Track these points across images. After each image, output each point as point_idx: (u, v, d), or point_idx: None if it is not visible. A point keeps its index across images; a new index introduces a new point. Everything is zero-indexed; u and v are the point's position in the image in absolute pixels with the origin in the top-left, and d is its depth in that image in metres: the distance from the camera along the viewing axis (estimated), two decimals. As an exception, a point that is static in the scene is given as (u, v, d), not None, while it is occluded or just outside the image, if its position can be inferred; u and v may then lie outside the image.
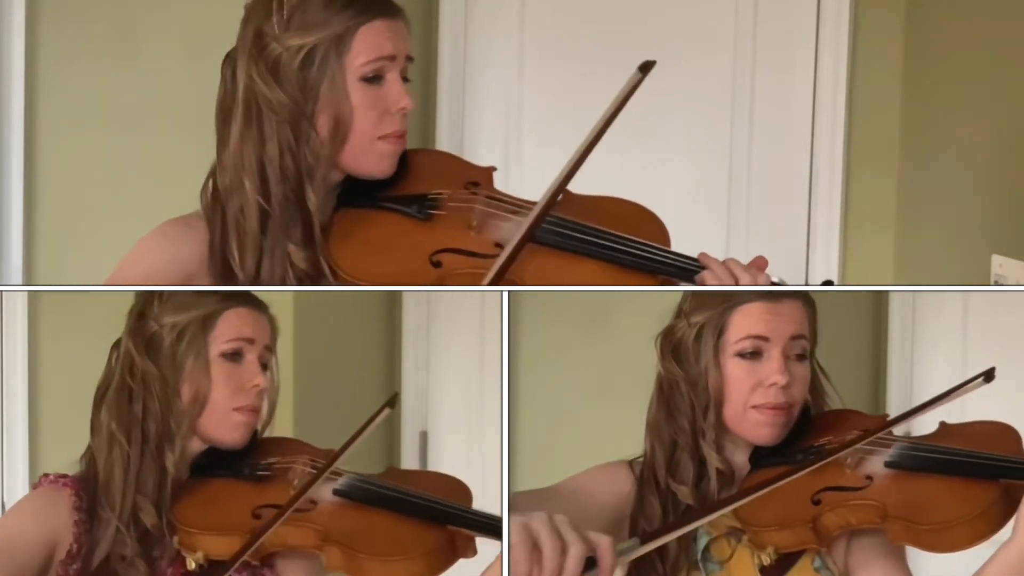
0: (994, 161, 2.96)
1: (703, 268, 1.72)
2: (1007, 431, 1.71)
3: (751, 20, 3.55)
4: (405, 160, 1.77)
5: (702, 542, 1.73)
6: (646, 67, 1.64)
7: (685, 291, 1.77)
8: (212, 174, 1.77)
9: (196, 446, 1.76)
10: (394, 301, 2.98)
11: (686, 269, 1.72)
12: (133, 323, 1.76)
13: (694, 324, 1.74)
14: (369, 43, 1.70)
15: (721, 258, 1.74)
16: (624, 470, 1.78)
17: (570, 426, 2.75)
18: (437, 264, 1.70)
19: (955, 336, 2.58)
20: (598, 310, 2.78)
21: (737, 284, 1.70)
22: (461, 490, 1.76)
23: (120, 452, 1.72)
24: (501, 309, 1.73)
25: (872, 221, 3.46)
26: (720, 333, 1.73)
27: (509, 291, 1.71)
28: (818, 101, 3.51)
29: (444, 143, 3.63)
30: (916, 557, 1.73)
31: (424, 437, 3.01)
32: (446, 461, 2.98)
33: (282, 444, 1.81)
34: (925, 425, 1.76)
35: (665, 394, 1.77)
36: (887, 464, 1.69)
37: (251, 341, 1.76)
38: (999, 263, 2.80)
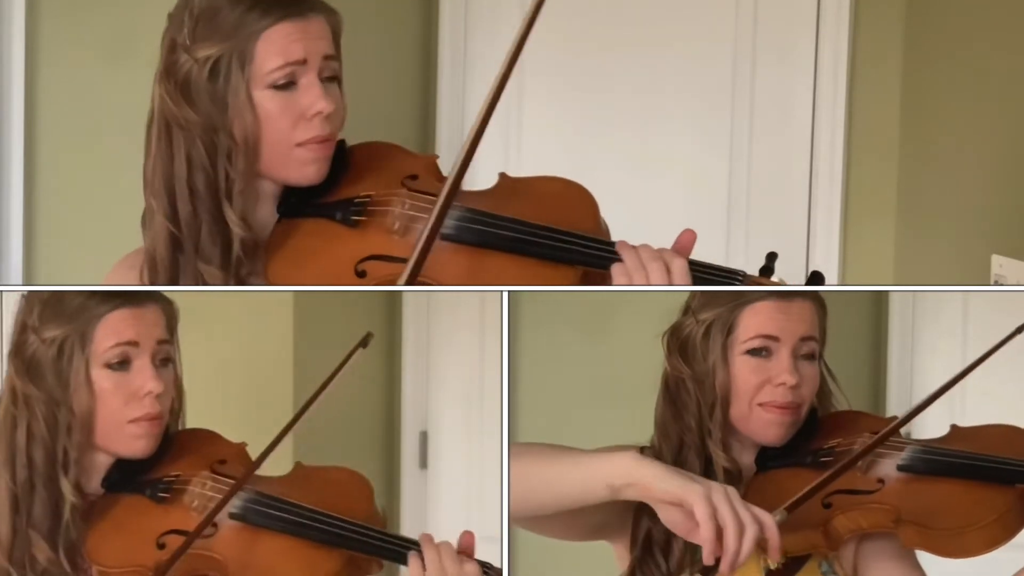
0: (994, 161, 2.96)
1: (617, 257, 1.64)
2: (1021, 435, 1.69)
3: (751, 18, 3.54)
4: (346, 158, 1.70)
5: None
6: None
7: (689, 291, 1.75)
8: None
9: (103, 460, 1.66)
10: (394, 301, 2.98)
11: (601, 257, 1.64)
12: (15, 339, 1.65)
13: (702, 321, 1.73)
14: (273, 50, 1.60)
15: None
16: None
17: (570, 426, 2.75)
18: (361, 273, 1.63)
19: (955, 336, 2.58)
20: (597, 310, 2.77)
21: (646, 273, 1.61)
22: (361, 492, 1.67)
23: (5, 487, 1.62)
24: (501, 309, 1.72)
25: (872, 220, 3.46)
26: (729, 331, 1.71)
27: (509, 291, 1.70)
28: (818, 99, 3.51)
29: (444, 143, 3.63)
30: (925, 560, 1.72)
31: (424, 437, 3.01)
32: (446, 461, 2.98)
33: (191, 444, 1.70)
34: (930, 427, 1.75)
35: (671, 392, 1.76)
36: (900, 467, 1.67)
37: (135, 344, 1.64)
38: (999, 263, 2.79)
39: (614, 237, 1.70)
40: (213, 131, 1.61)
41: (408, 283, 1.59)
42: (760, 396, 1.72)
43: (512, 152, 3.59)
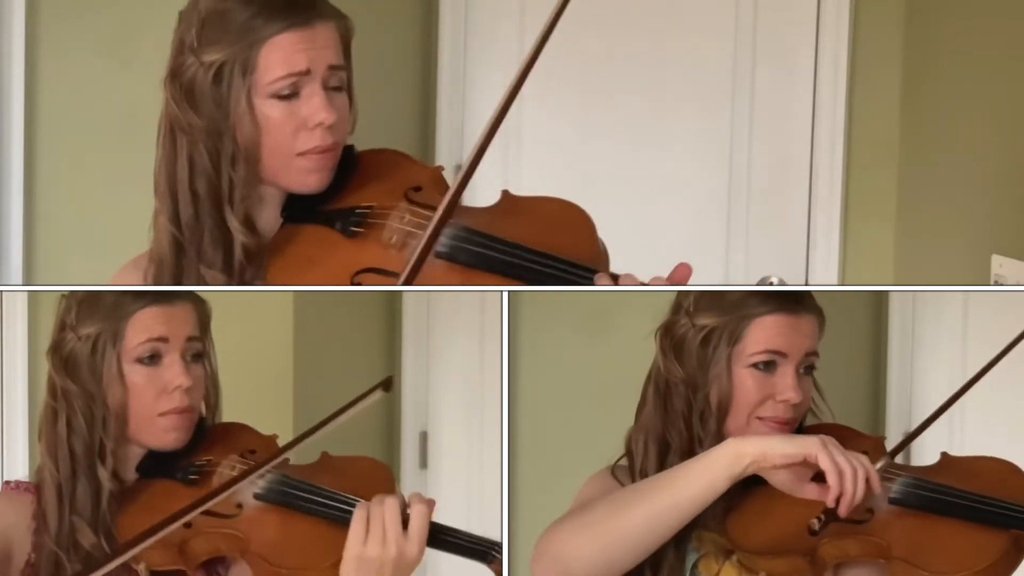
0: (994, 161, 2.96)
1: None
2: (1012, 471, 1.67)
3: (751, 19, 3.54)
4: (355, 163, 1.69)
5: (691, 559, 1.70)
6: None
7: (686, 291, 1.74)
8: None
9: (137, 450, 1.72)
10: (394, 301, 2.98)
11: (588, 281, 1.64)
12: (55, 336, 1.71)
13: (701, 327, 1.71)
14: (276, 60, 1.59)
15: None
16: (609, 479, 1.76)
17: (570, 426, 2.75)
18: (357, 284, 1.64)
19: (955, 336, 2.57)
20: (597, 310, 2.77)
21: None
22: (382, 478, 1.70)
23: (50, 476, 1.68)
24: (501, 309, 1.72)
25: (872, 221, 3.46)
26: (735, 341, 1.69)
27: (509, 291, 1.70)
28: (818, 99, 3.51)
29: (444, 144, 3.63)
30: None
31: (424, 437, 3.01)
32: (446, 461, 2.98)
33: (224, 435, 1.75)
34: (929, 435, 1.74)
35: (662, 393, 1.74)
36: (891, 500, 1.66)
37: (165, 340, 1.69)
38: (999, 263, 2.79)
39: (619, 242, 1.70)
40: (217, 136, 1.61)
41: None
42: (761, 410, 1.70)
43: (512, 156, 3.59)
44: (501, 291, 1.69)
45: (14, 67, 3.12)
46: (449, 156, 3.65)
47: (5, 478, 2.59)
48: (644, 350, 1.79)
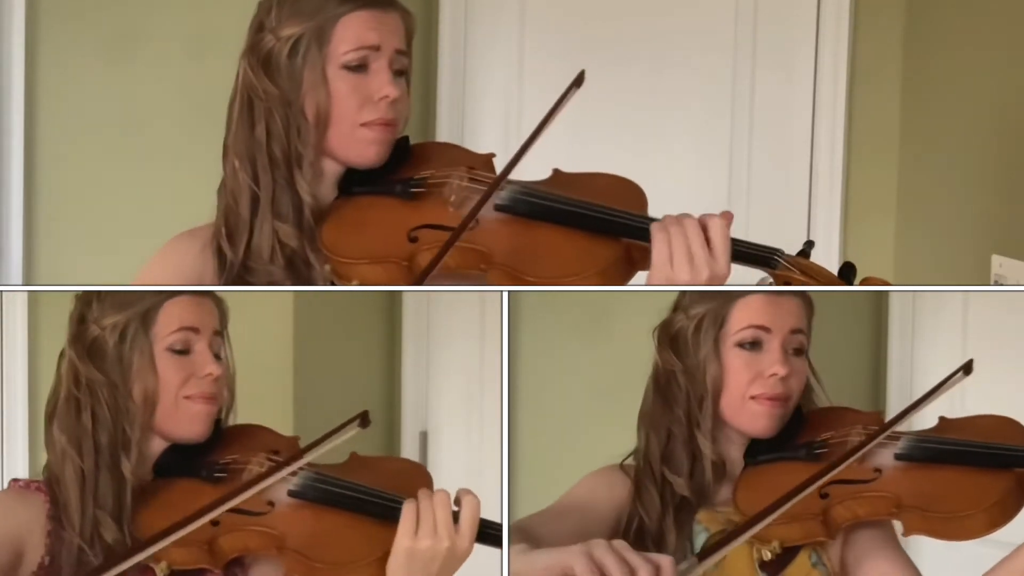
0: (994, 160, 2.96)
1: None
2: (1009, 423, 1.72)
3: (751, 19, 3.54)
4: (409, 152, 1.80)
5: (700, 539, 1.73)
6: (579, 80, 1.78)
7: (684, 291, 1.77)
8: None
9: (157, 446, 1.71)
10: (394, 301, 2.98)
11: (645, 230, 1.73)
12: (74, 329, 1.71)
13: (694, 316, 1.76)
14: (351, 33, 1.74)
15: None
16: (618, 475, 1.78)
17: (570, 426, 2.75)
18: (414, 239, 1.73)
19: (955, 336, 2.58)
20: (597, 310, 2.78)
21: (683, 229, 1.70)
22: (421, 477, 1.70)
23: (73, 468, 1.67)
24: (501, 309, 1.73)
25: (872, 221, 3.46)
26: (721, 324, 1.74)
27: (509, 291, 1.71)
28: (818, 100, 3.51)
29: (444, 140, 3.63)
30: (919, 554, 1.74)
31: (424, 437, 3.01)
32: (446, 461, 2.98)
33: (245, 435, 1.75)
34: (924, 420, 1.77)
35: (661, 385, 1.78)
36: (897, 456, 1.70)
37: (196, 330, 1.71)
38: (999, 263, 2.79)
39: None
40: (287, 105, 1.75)
41: (449, 246, 1.68)
42: (752, 389, 1.74)
43: (512, 155, 3.58)
44: (501, 291, 1.70)
45: (14, 67, 3.12)
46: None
47: (5, 476, 2.59)
48: (643, 350, 1.81)
